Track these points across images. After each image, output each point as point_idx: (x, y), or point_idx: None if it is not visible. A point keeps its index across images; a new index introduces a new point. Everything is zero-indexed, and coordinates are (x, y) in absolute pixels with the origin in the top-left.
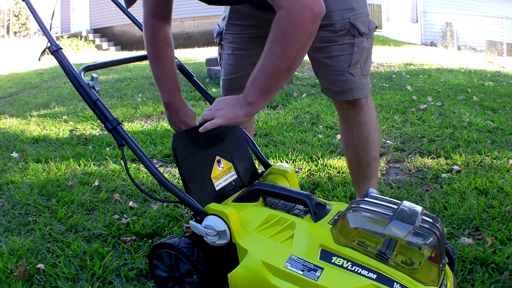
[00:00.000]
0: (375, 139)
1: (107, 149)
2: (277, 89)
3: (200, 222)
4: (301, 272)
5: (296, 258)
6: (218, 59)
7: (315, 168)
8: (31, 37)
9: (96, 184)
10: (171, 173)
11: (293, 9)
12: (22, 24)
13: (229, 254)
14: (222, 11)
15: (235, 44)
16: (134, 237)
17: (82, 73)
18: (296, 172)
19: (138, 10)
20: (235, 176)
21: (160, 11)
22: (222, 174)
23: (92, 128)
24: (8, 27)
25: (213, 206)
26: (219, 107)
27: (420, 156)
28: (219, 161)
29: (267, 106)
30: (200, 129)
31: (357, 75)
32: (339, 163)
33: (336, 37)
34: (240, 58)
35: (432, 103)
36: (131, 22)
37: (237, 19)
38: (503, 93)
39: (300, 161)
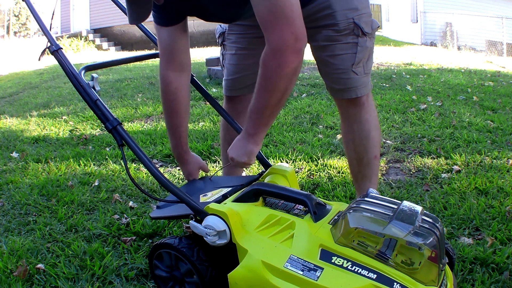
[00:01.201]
0: (376, 137)
1: (107, 149)
2: (274, 118)
3: (200, 222)
4: (301, 272)
5: (296, 258)
6: (221, 59)
7: (315, 168)
8: (31, 37)
9: (96, 184)
10: (171, 173)
11: (278, 48)
12: (22, 24)
13: (229, 254)
14: None
15: (239, 44)
16: (134, 237)
17: (82, 73)
18: (296, 172)
19: None
20: (230, 188)
21: (176, 63)
22: (211, 196)
23: (92, 128)
24: (8, 27)
25: (213, 206)
26: (231, 152)
27: (420, 156)
28: (204, 195)
29: None
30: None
31: (359, 73)
32: (339, 163)
33: (339, 37)
34: (244, 58)
35: (432, 103)
36: None
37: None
38: (503, 93)
39: (300, 161)
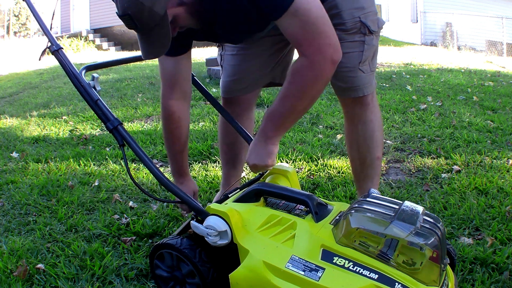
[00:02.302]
0: (379, 138)
1: (107, 149)
2: (294, 123)
3: (201, 222)
4: (303, 273)
5: (297, 258)
6: (219, 60)
7: (315, 168)
8: (31, 37)
9: (96, 184)
10: None
11: (316, 60)
12: (22, 24)
13: (230, 254)
14: None
15: (241, 44)
16: (134, 237)
17: (83, 73)
18: (296, 172)
19: None
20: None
21: (179, 92)
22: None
23: (92, 128)
24: (8, 27)
25: (214, 206)
26: (251, 159)
27: (420, 156)
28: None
29: (268, 106)
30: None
31: (366, 71)
32: (339, 163)
33: (347, 35)
34: (245, 59)
35: (432, 103)
36: None
37: None
38: (503, 93)
39: (300, 161)
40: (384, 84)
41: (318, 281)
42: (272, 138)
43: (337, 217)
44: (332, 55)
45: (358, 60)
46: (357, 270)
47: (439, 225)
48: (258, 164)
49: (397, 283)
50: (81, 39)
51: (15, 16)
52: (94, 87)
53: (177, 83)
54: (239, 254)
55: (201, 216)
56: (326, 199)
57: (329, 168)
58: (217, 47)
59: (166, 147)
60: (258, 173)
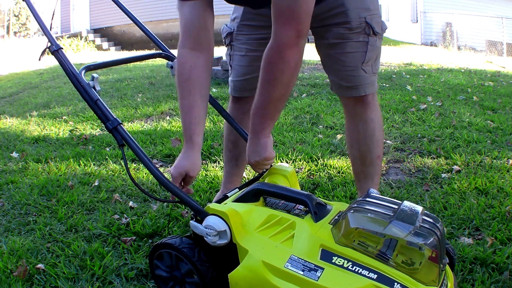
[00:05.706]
0: (380, 137)
1: (107, 149)
2: (278, 113)
3: (200, 222)
4: (302, 272)
5: (296, 258)
6: (228, 60)
7: (315, 168)
8: (31, 37)
9: (96, 184)
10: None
11: (283, 41)
12: (22, 24)
13: (229, 254)
14: (224, 11)
15: (248, 45)
16: (134, 237)
17: (83, 73)
18: (296, 172)
19: (138, 9)
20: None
21: (193, 40)
22: None
23: (92, 128)
24: (8, 27)
25: (213, 206)
26: (251, 158)
27: (420, 156)
28: None
29: None
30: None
31: (368, 72)
32: (339, 163)
33: (351, 35)
34: (254, 59)
35: (432, 103)
36: (131, 22)
37: (251, 20)
38: (503, 93)
39: (300, 161)
40: (384, 84)
41: (317, 281)
42: (261, 131)
43: (336, 217)
44: (297, 40)
45: (361, 60)
46: (356, 270)
47: (438, 225)
48: (258, 160)
49: (396, 283)
50: (81, 39)
51: (15, 16)
52: (94, 87)
53: (192, 30)
54: (239, 254)
55: (200, 216)
56: (326, 199)
57: (329, 168)
58: (226, 46)
59: (179, 105)
60: (257, 173)
